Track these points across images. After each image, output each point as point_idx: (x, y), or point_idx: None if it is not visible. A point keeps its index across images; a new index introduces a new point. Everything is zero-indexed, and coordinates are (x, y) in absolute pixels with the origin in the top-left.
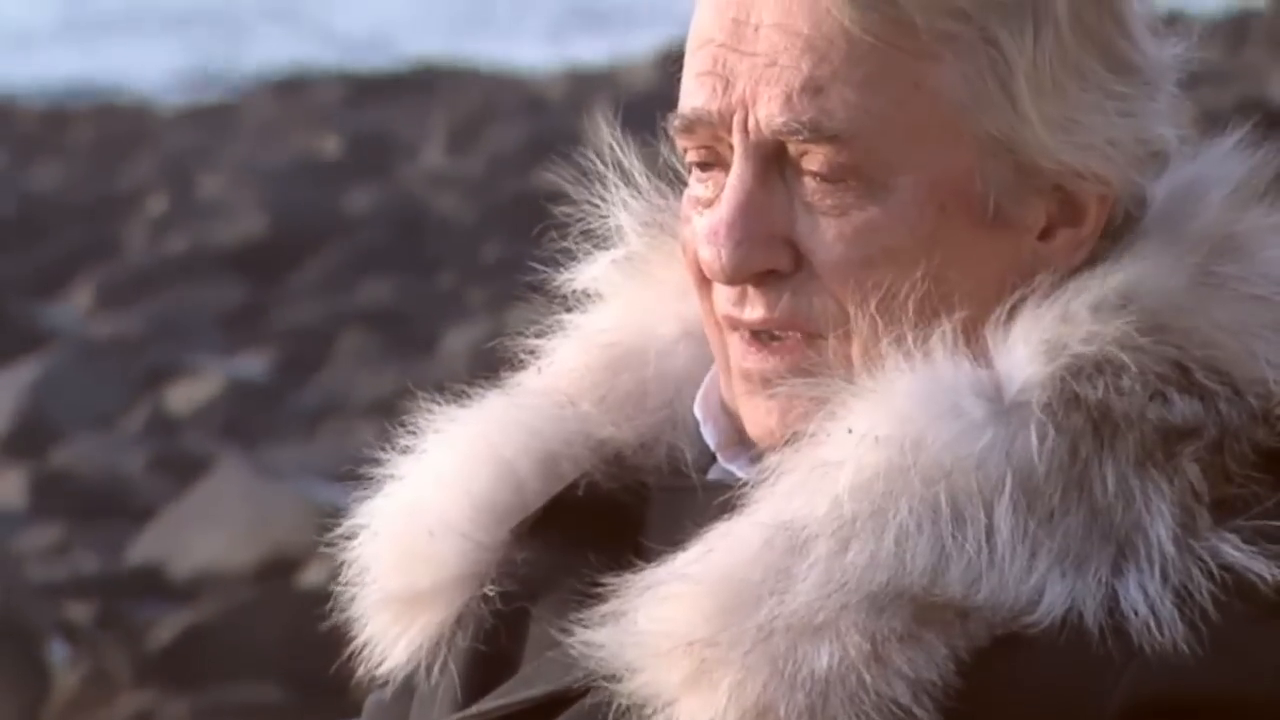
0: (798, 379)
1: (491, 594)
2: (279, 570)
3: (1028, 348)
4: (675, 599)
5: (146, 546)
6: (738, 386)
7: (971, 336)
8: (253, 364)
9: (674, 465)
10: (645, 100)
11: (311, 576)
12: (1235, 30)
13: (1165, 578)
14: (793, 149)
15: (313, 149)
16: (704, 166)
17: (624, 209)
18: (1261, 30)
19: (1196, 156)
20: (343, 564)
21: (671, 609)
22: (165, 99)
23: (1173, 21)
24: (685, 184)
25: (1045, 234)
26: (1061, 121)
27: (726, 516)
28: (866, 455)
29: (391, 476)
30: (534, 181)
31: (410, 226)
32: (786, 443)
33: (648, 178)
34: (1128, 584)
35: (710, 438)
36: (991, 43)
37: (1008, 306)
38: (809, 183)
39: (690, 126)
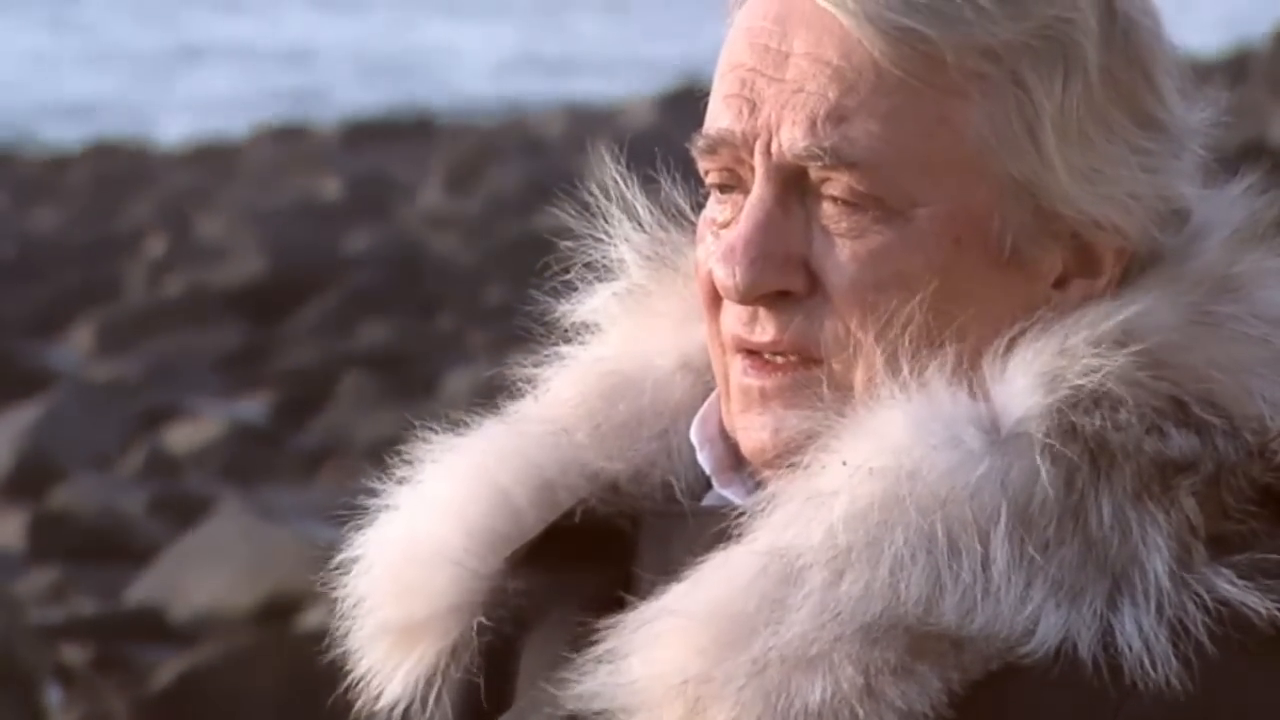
0: (795, 408)
1: (486, 623)
2: (279, 612)
3: (1026, 380)
4: (669, 636)
5: (145, 589)
6: (735, 404)
7: (971, 369)
8: (253, 406)
9: (667, 493)
10: (645, 140)
11: (312, 619)
12: (1234, 70)
13: (1160, 612)
14: (814, 174)
15: (312, 191)
16: (724, 189)
17: (626, 242)
18: (1261, 70)
19: (1200, 200)
20: (341, 600)
21: (665, 648)
22: (165, 140)
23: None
24: (688, 220)
25: (1059, 283)
26: (1085, 170)
27: (721, 545)
28: (861, 485)
29: (388, 507)
30: (533, 222)
31: (410, 268)
32: (781, 464)
33: (650, 211)
34: (1123, 617)
35: (706, 463)
36: (1020, 85)
37: (1006, 339)
38: (828, 207)
39: (714, 147)
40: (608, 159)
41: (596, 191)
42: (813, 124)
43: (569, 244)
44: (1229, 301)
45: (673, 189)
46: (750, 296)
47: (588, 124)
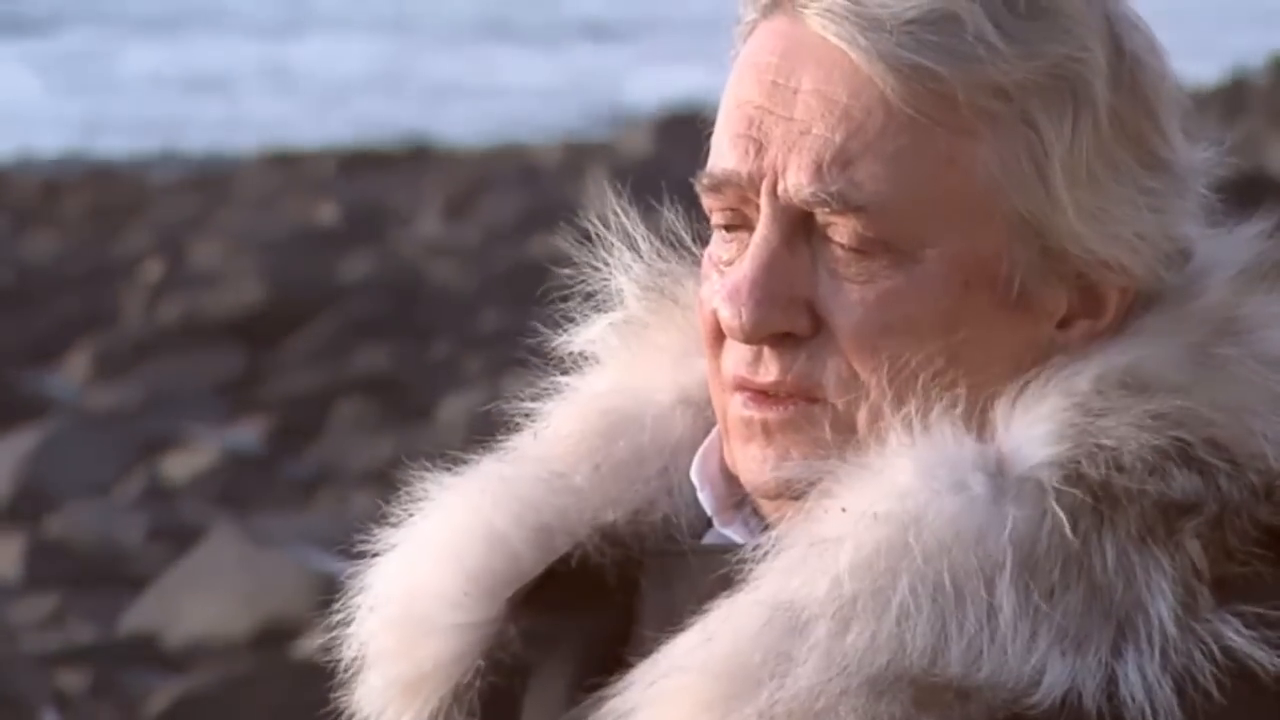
0: (798, 445)
1: (487, 667)
2: (274, 639)
3: (1030, 425)
4: (676, 693)
5: (141, 615)
6: (736, 436)
7: (975, 413)
8: (248, 433)
9: (668, 532)
10: (641, 169)
11: (307, 646)
12: (1232, 100)
13: (1165, 659)
14: (820, 218)
15: (309, 218)
16: (729, 227)
17: (624, 272)
18: (1258, 100)
19: (1206, 239)
20: (338, 639)
21: (672, 705)
22: (161, 167)
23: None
24: (688, 250)
25: (1064, 322)
26: (1093, 210)
27: (725, 592)
28: (866, 531)
29: (386, 548)
30: (530, 250)
31: (406, 295)
32: (781, 498)
33: (649, 241)
34: (1127, 665)
35: (707, 503)
36: (1030, 125)
37: (1012, 383)
38: (835, 250)
39: (719, 186)
40: (607, 188)
41: (595, 220)
42: (818, 168)
43: (567, 272)
44: (1232, 344)
45: (671, 218)
46: (755, 337)
47: (585, 152)
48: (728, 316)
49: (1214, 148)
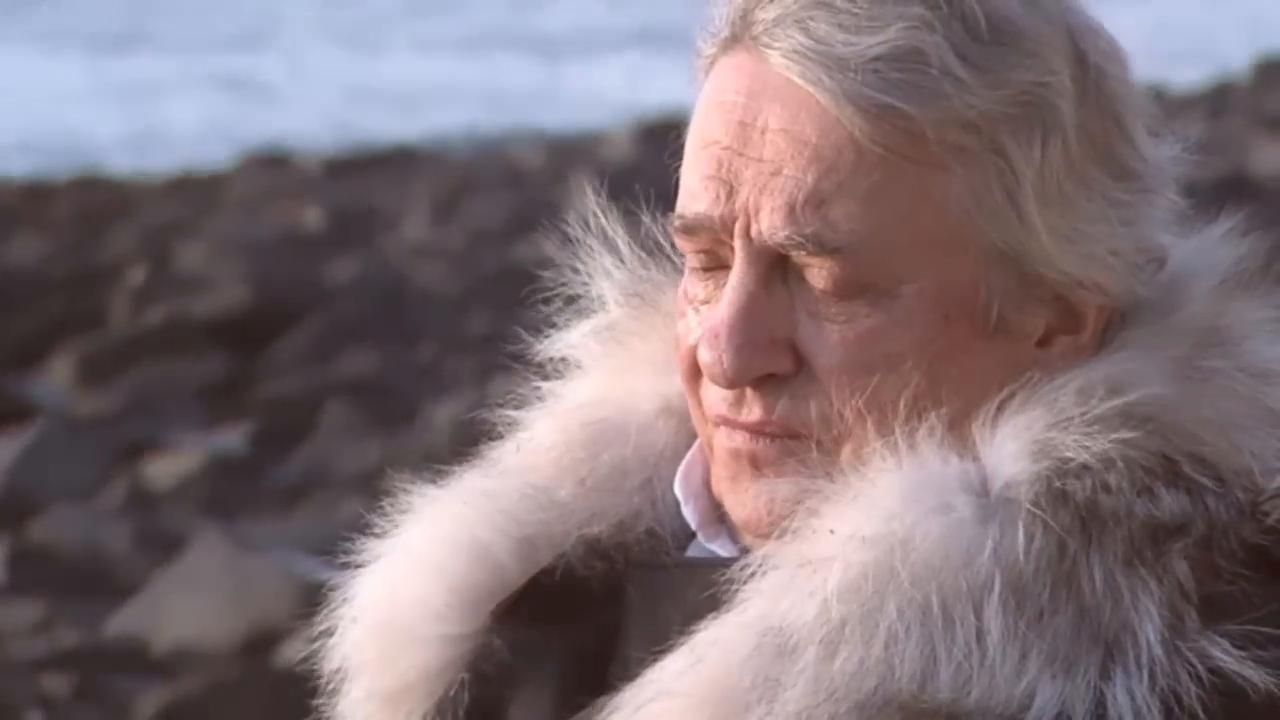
0: (785, 476)
1: (471, 680)
2: (260, 645)
3: (1015, 444)
4: (664, 719)
5: (126, 621)
6: (724, 471)
7: (959, 433)
8: (233, 437)
9: (652, 543)
10: (626, 172)
11: (292, 651)
12: (1215, 102)
13: (1153, 681)
14: (796, 259)
15: (294, 221)
16: (705, 268)
17: (605, 277)
18: (1241, 102)
19: (1183, 244)
20: (323, 648)
21: None
22: (146, 169)
23: (1155, 96)
24: (667, 255)
25: (1043, 341)
26: (1067, 232)
27: (713, 613)
28: (854, 554)
29: (369, 560)
30: (515, 253)
31: (392, 298)
32: (773, 533)
33: (630, 246)
34: (1115, 688)
35: (691, 517)
36: (1000, 154)
37: (995, 403)
38: (813, 291)
39: (691, 229)
40: (589, 192)
41: (576, 226)
42: (791, 210)
43: (550, 277)
44: (1217, 356)
45: (653, 223)
46: (738, 382)
47: (568, 156)
48: (709, 362)
49: (1182, 145)
